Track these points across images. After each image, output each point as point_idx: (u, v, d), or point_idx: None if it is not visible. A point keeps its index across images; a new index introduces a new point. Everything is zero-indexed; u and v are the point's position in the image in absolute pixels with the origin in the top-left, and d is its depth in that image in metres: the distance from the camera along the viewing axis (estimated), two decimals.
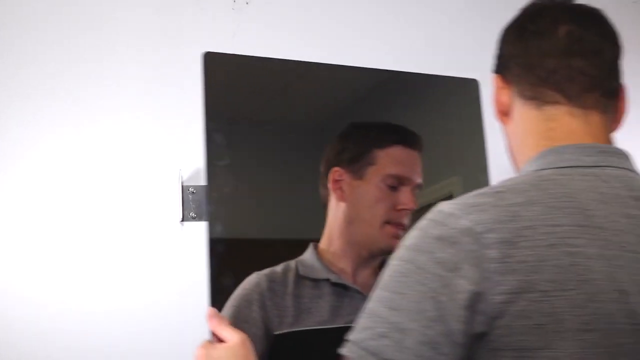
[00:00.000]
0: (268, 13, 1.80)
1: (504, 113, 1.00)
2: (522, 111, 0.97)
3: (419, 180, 1.44)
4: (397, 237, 1.34)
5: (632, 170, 0.92)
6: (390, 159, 1.42)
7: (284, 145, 1.55)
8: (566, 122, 0.94)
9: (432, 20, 1.95)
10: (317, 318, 1.30)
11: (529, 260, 0.75)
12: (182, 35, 1.68)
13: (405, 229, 1.37)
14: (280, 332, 1.28)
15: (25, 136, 1.49)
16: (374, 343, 0.76)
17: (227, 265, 1.30)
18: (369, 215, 1.39)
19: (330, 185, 1.43)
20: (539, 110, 0.95)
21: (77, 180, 1.51)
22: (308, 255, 1.40)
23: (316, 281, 1.33)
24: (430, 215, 0.82)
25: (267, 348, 1.26)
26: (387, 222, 1.38)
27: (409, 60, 1.77)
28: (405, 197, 1.39)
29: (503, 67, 1.00)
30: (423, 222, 0.82)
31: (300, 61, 1.55)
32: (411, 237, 0.82)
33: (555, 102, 0.94)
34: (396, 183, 1.40)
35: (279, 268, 1.37)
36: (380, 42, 1.89)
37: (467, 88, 1.61)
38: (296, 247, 1.42)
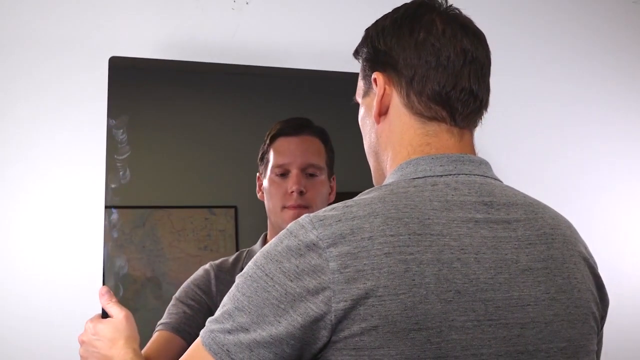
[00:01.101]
0: (268, 13, 1.85)
1: (381, 114, 1.02)
2: (404, 121, 0.99)
3: (308, 161, 1.57)
4: (297, 216, 1.46)
5: (489, 177, 0.97)
6: (274, 152, 1.59)
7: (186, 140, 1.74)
8: (444, 139, 0.97)
9: None
10: None
11: (366, 270, 0.82)
12: (182, 35, 1.80)
13: (303, 206, 1.54)
14: None
15: None
16: (222, 336, 0.86)
17: (119, 249, 1.56)
18: (271, 204, 1.57)
19: (257, 189, 1.65)
20: (421, 124, 0.98)
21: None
22: (257, 245, 1.62)
23: None
24: (290, 225, 0.89)
25: None
26: (284, 207, 1.54)
27: None
28: (291, 181, 1.54)
29: (392, 69, 1.00)
30: (283, 231, 0.89)
31: (209, 63, 1.71)
32: (269, 244, 0.89)
33: (440, 120, 0.97)
34: (283, 171, 1.56)
35: (231, 258, 1.59)
36: None
37: None
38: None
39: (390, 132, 1.00)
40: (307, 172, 1.56)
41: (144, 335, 1.58)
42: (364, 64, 1.05)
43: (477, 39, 1.00)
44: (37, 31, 1.69)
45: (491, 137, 1.98)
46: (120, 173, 1.57)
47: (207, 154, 1.89)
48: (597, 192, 2.11)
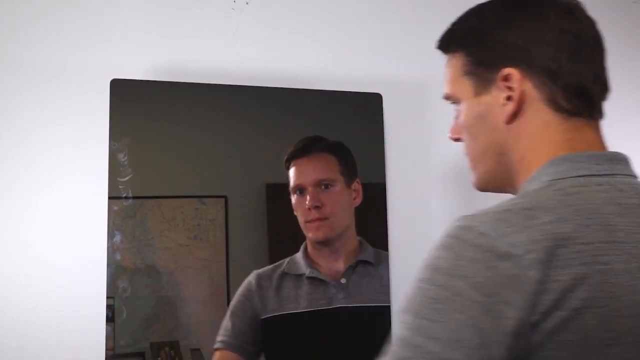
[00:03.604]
0: (268, 13, 1.85)
1: (515, 115, 0.94)
2: (545, 118, 0.93)
3: (318, 177, 1.75)
4: (318, 229, 1.74)
5: (635, 176, 0.93)
6: (291, 174, 1.77)
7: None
8: (586, 133, 0.93)
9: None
10: (294, 304, 1.70)
11: (562, 280, 0.75)
12: (182, 35, 1.81)
13: (321, 219, 1.74)
14: (265, 316, 1.68)
15: None
16: None
17: (122, 272, 1.59)
18: (299, 220, 1.76)
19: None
20: (563, 120, 0.93)
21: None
22: (299, 252, 1.77)
23: (297, 275, 1.72)
24: (457, 232, 0.81)
25: (260, 329, 1.68)
26: (306, 221, 1.73)
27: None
28: (307, 198, 1.73)
29: (524, 64, 0.93)
30: (450, 241, 0.80)
31: (204, 84, 1.72)
32: (440, 258, 0.80)
33: (579, 114, 0.93)
34: (300, 189, 1.74)
35: (271, 266, 1.75)
36: (382, 42, 1.94)
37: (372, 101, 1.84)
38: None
39: (526, 130, 0.94)
40: (322, 186, 1.74)
41: (134, 323, 1.64)
42: (471, 57, 0.97)
43: (594, 24, 0.95)
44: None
45: None
46: (124, 195, 1.57)
47: (198, 144, 1.89)
48: None
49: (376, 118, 1.89)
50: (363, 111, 1.90)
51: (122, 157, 1.56)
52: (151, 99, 1.73)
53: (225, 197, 1.90)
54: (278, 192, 1.94)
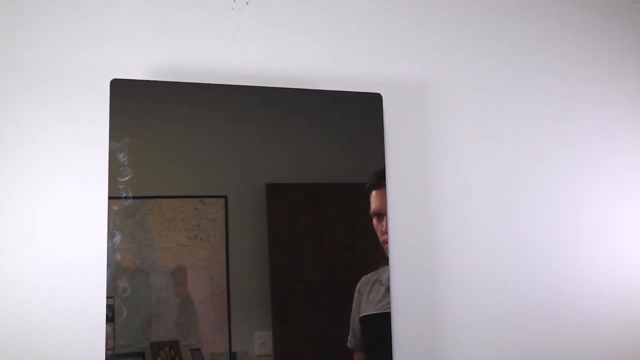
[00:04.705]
0: (268, 13, 1.86)
1: None
2: None
3: None
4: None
5: None
6: (371, 201, 1.96)
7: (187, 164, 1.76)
8: None
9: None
10: (376, 307, 1.94)
11: None
12: (182, 35, 1.82)
13: None
14: (360, 315, 1.92)
15: None
16: None
17: (122, 272, 1.59)
18: (379, 239, 1.97)
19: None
20: None
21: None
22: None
23: (382, 282, 1.96)
24: None
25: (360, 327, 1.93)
26: (384, 242, 1.96)
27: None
28: (383, 224, 1.96)
29: None
30: None
31: (204, 84, 1.72)
32: None
33: None
34: (377, 214, 1.95)
35: (374, 272, 1.95)
36: (382, 42, 1.91)
37: (372, 101, 1.88)
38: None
39: None
40: None
41: (134, 323, 1.64)
42: None
43: None
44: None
45: (494, 131, 2.01)
46: (124, 195, 1.57)
47: (198, 144, 1.89)
48: (593, 189, 2.16)
49: (376, 118, 1.91)
50: (363, 111, 1.91)
51: (122, 157, 1.57)
52: (151, 99, 1.73)
53: (225, 197, 1.90)
54: (278, 192, 1.95)
